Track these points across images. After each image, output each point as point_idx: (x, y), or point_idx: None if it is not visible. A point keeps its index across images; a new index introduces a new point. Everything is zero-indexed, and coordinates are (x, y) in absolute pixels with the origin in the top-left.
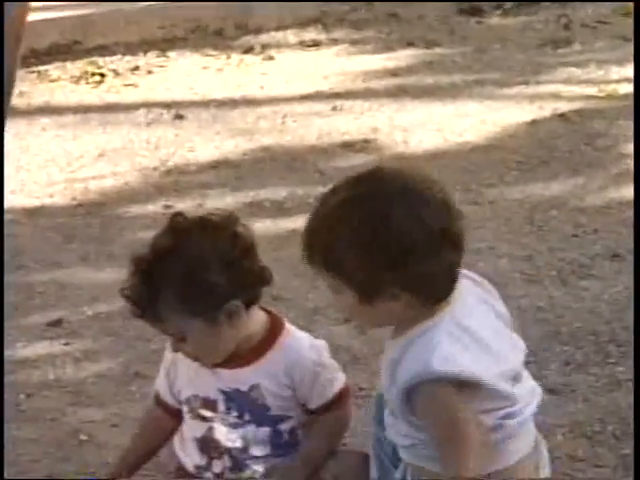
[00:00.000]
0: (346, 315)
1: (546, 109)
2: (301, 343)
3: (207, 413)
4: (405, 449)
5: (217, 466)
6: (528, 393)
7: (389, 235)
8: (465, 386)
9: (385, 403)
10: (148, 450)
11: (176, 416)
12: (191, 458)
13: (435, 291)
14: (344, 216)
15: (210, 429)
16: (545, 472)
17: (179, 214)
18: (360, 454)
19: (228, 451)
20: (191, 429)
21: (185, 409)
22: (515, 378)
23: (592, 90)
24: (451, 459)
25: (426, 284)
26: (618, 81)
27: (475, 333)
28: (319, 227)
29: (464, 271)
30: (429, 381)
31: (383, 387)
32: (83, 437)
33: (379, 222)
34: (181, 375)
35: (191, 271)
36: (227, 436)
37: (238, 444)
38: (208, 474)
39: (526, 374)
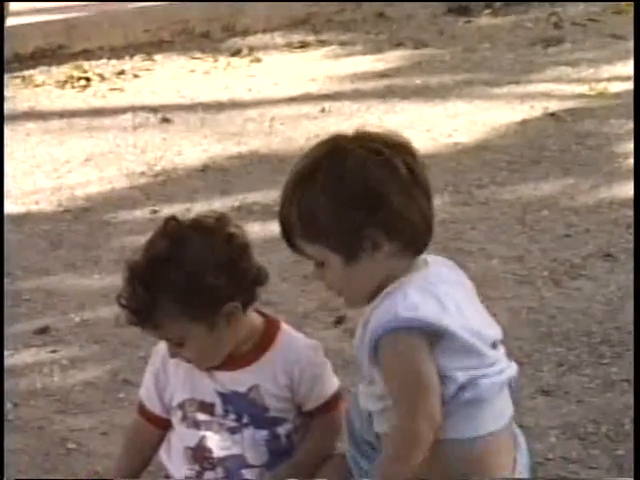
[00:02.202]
0: (334, 289)
1: (537, 108)
2: (299, 342)
3: (204, 417)
4: (379, 416)
5: (209, 476)
6: (505, 360)
7: (358, 181)
8: (434, 337)
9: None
10: (137, 466)
11: (162, 426)
12: (180, 470)
13: (414, 237)
14: (311, 178)
15: (203, 438)
16: (522, 464)
17: (173, 218)
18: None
19: (222, 461)
20: (183, 438)
21: (178, 416)
22: (494, 345)
23: (583, 89)
24: (405, 408)
25: (404, 228)
26: (609, 79)
27: (448, 295)
28: (290, 196)
29: (438, 257)
30: (393, 329)
31: (356, 350)
32: (71, 446)
33: (346, 172)
34: (173, 379)
35: (190, 277)
36: (222, 444)
37: (234, 451)
38: None
39: (502, 351)
